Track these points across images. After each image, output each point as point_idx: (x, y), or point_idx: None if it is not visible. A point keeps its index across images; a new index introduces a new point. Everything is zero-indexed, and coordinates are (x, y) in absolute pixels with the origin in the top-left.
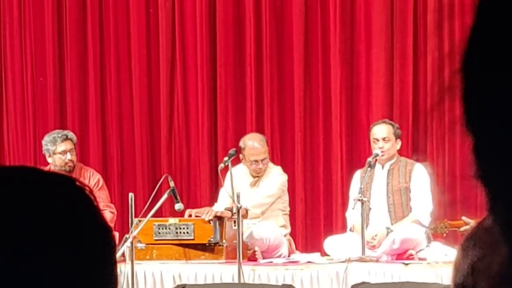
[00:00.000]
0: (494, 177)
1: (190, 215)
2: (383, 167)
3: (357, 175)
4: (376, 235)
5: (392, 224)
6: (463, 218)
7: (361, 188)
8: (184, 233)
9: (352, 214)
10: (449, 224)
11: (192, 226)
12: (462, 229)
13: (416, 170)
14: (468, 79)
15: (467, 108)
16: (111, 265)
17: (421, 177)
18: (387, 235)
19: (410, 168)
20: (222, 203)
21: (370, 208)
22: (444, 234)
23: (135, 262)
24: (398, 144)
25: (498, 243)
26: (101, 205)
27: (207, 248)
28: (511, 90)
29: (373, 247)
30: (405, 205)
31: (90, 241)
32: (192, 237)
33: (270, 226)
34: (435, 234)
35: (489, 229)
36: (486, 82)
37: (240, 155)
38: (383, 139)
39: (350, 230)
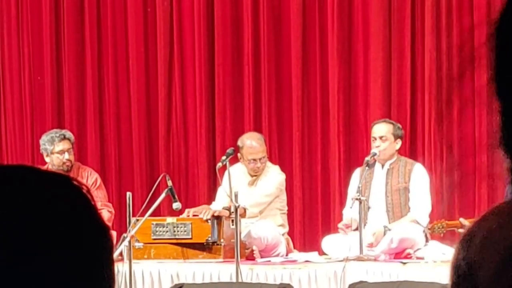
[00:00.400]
0: None
1: (188, 215)
2: (382, 166)
3: (356, 173)
4: (374, 233)
5: (390, 223)
6: (460, 219)
7: (359, 187)
8: (181, 232)
9: (349, 213)
10: (446, 224)
11: (190, 225)
12: (460, 230)
13: (416, 170)
14: (503, 44)
15: (499, 74)
16: (108, 264)
17: (420, 178)
18: (384, 233)
19: (409, 168)
20: (220, 202)
21: (369, 207)
22: (442, 234)
23: (133, 261)
24: (398, 144)
25: (496, 236)
26: (99, 204)
27: (205, 247)
28: None
29: (371, 245)
30: (403, 205)
31: (88, 240)
32: (190, 236)
33: (268, 225)
34: (432, 234)
35: (484, 225)
36: None
37: (238, 154)
38: (380, 137)
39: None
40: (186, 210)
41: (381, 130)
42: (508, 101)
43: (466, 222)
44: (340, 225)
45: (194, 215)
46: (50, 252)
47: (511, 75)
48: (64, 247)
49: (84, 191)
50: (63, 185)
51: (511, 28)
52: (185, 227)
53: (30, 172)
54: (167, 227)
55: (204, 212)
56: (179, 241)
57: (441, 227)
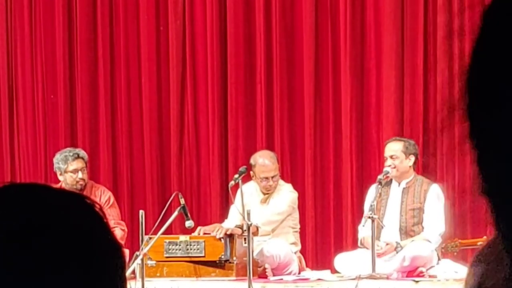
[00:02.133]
0: (498, 191)
1: (199, 233)
2: (399, 184)
3: (372, 190)
4: (388, 244)
5: (402, 241)
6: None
7: (371, 206)
8: (195, 250)
9: (363, 231)
10: (459, 243)
11: (203, 243)
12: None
13: (431, 191)
14: (472, 92)
15: (472, 122)
16: (121, 282)
17: (435, 199)
18: (395, 248)
19: (425, 189)
20: (232, 220)
21: (382, 227)
22: (455, 253)
23: (145, 279)
24: (410, 161)
25: (503, 258)
26: (112, 223)
27: (218, 265)
28: None
29: (381, 255)
30: (417, 224)
31: (101, 258)
32: (203, 254)
33: (280, 243)
34: (445, 253)
35: (493, 245)
36: (490, 95)
37: (251, 172)
38: (391, 156)
39: (360, 242)
40: (198, 228)
41: (391, 149)
42: (482, 148)
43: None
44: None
45: (205, 233)
46: (62, 270)
47: (483, 122)
48: (77, 265)
49: (97, 209)
50: (76, 203)
51: (480, 75)
52: (198, 245)
53: (44, 190)
54: (180, 245)
55: (217, 230)
56: (192, 259)
57: (454, 246)
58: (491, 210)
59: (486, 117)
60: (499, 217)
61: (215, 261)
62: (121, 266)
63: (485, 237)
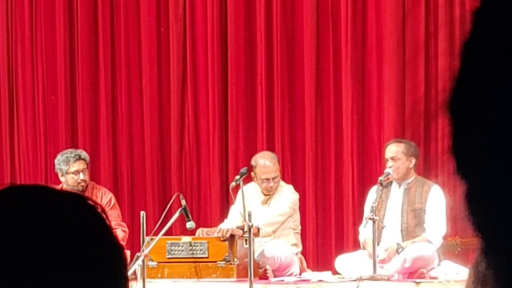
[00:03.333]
0: (487, 226)
1: (200, 234)
2: (399, 185)
3: (373, 191)
4: (386, 249)
5: (403, 242)
6: None
7: (372, 207)
8: (198, 251)
9: (364, 231)
10: (460, 242)
11: (206, 244)
12: None
13: (433, 192)
14: (455, 124)
15: (457, 156)
16: (123, 283)
17: (437, 199)
18: (397, 250)
19: (427, 189)
20: (232, 220)
21: (383, 227)
22: (456, 252)
23: (146, 280)
24: (412, 162)
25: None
26: (113, 224)
27: (219, 267)
28: (500, 138)
29: (383, 261)
30: (418, 225)
31: (102, 259)
32: (206, 255)
33: (281, 245)
34: (446, 252)
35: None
36: (474, 129)
37: (252, 173)
38: (392, 158)
39: (363, 246)
40: (199, 229)
41: (392, 150)
42: (469, 183)
43: None
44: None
45: (206, 235)
46: (65, 271)
47: (469, 159)
48: (80, 266)
49: (99, 210)
50: (78, 204)
51: (462, 109)
52: (201, 246)
53: (46, 192)
54: (182, 246)
55: (218, 231)
56: (195, 260)
57: (455, 244)
58: (479, 240)
59: (474, 151)
60: (487, 249)
61: (215, 263)
62: (124, 267)
63: None
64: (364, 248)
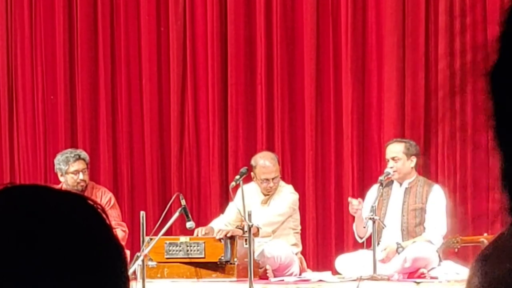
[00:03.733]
0: None
1: (198, 234)
2: (400, 185)
3: (373, 190)
4: (385, 249)
5: (403, 241)
6: (482, 239)
7: (372, 207)
8: (195, 251)
9: (363, 231)
10: (460, 240)
11: (203, 244)
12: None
13: (434, 192)
14: (499, 92)
15: (498, 119)
16: (124, 283)
17: (437, 199)
18: (397, 250)
19: (427, 189)
20: (228, 216)
21: (383, 227)
22: (456, 249)
23: (146, 280)
24: (412, 162)
25: (508, 254)
26: (113, 224)
27: (218, 267)
28: None
29: (383, 261)
30: (418, 225)
31: (103, 259)
32: (203, 256)
33: (281, 245)
34: (446, 251)
35: (498, 243)
36: None
37: (252, 173)
38: (393, 158)
39: (359, 237)
40: (197, 229)
41: (392, 150)
42: (507, 150)
43: (486, 241)
44: (354, 207)
45: (205, 234)
46: (66, 271)
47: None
48: (79, 266)
49: (99, 210)
50: (78, 204)
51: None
52: (198, 246)
53: (45, 191)
54: (180, 246)
55: (217, 231)
56: (192, 260)
57: (455, 241)
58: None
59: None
60: None
61: (215, 263)
62: (124, 267)
63: (485, 234)
64: (361, 238)
